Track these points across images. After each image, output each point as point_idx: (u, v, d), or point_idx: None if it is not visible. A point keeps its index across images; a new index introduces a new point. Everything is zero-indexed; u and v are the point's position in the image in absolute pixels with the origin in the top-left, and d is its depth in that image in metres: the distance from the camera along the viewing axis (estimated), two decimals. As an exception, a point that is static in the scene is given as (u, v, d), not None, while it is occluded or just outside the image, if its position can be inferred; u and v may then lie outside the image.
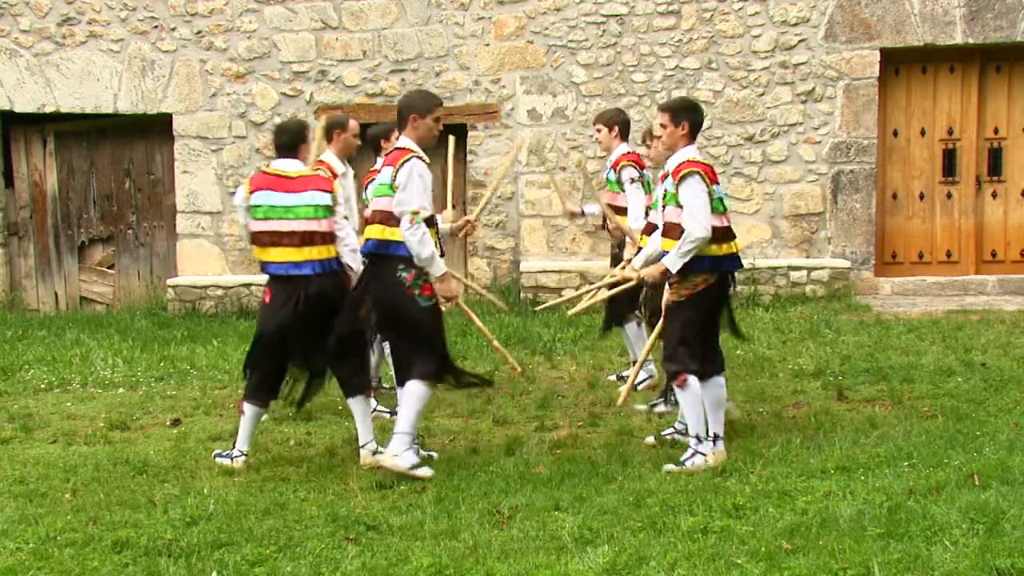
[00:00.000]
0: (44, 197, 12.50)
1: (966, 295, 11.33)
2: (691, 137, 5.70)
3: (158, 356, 9.17)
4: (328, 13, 11.74)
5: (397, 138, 5.90)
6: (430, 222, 5.62)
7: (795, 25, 11.42)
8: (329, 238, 5.87)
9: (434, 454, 6.07)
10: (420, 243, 5.51)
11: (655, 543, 4.39)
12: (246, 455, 6.00)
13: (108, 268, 12.60)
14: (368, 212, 5.89)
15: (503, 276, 11.73)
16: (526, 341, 9.49)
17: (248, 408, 6.00)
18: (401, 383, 5.72)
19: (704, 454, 5.60)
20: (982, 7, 11.24)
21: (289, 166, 5.93)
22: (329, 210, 5.86)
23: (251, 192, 5.86)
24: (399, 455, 5.60)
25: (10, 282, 12.43)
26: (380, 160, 6.68)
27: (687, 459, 5.62)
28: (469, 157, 11.71)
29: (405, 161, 5.57)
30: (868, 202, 11.54)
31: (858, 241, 11.56)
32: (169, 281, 11.87)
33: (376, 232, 5.66)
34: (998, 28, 11.27)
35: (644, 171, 7.33)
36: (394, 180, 5.57)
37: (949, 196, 11.82)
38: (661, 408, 6.90)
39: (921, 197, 11.84)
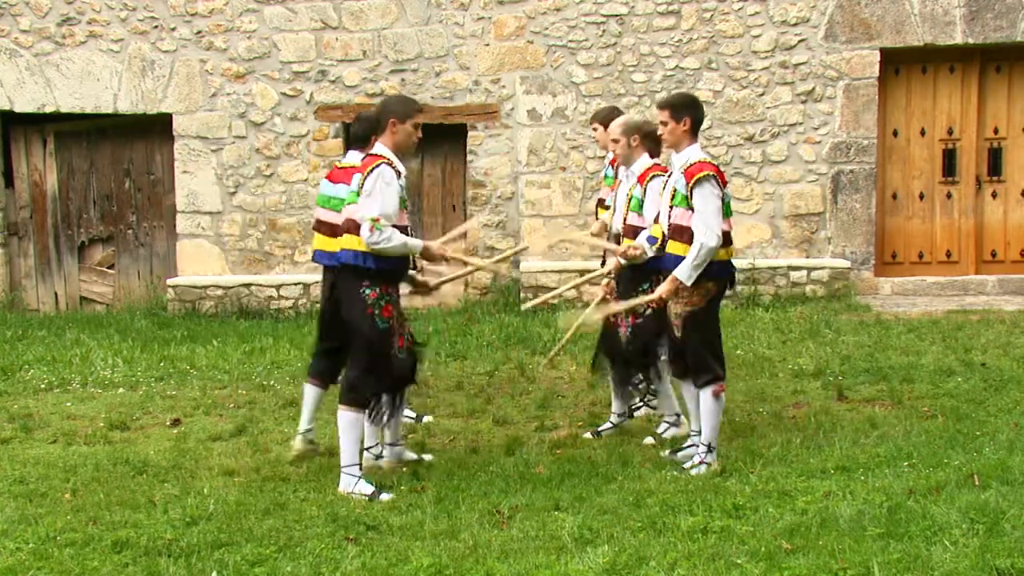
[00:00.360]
0: (44, 197, 12.50)
1: (966, 295, 11.33)
2: (693, 134, 5.62)
3: (158, 356, 9.16)
4: (328, 13, 11.74)
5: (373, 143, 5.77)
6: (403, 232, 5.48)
7: (795, 25, 11.42)
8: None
9: (428, 457, 6.07)
10: (386, 245, 5.35)
11: (655, 543, 4.39)
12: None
13: (108, 268, 12.60)
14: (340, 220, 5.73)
15: (503, 276, 11.73)
16: (526, 341, 9.49)
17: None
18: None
19: (709, 464, 5.56)
20: (982, 7, 11.24)
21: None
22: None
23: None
24: (352, 491, 5.42)
25: (10, 282, 12.43)
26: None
27: (692, 467, 5.59)
28: (469, 157, 11.71)
29: (374, 168, 5.41)
30: (868, 202, 11.54)
31: (858, 241, 11.56)
32: (169, 281, 11.87)
33: (346, 242, 5.51)
34: (998, 28, 11.27)
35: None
36: (361, 187, 5.43)
37: (949, 196, 11.82)
38: (672, 431, 6.46)
39: (921, 197, 11.84)
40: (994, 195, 11.79)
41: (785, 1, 11.40)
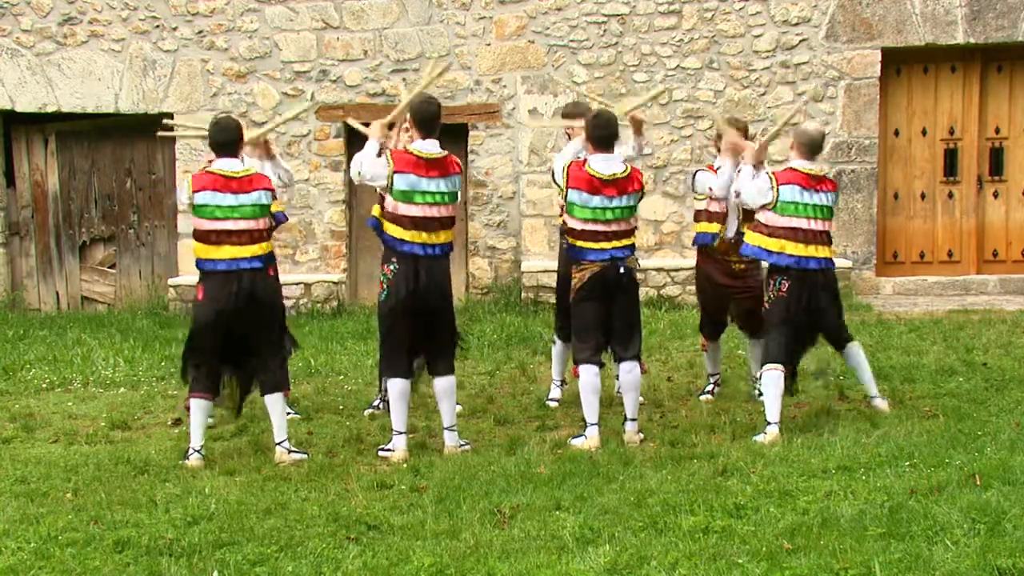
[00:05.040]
0: (45, 197, 12.50)
1: (967, 295, 11.33)
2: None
3: (159, 356, 9.17)
4: (329, 13, 11.74)
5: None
6: None
7: (796, 25, 11.42)
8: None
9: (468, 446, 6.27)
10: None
11: (656, 543, 4.39)
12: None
13: (109, 268, 12.60)
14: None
15: (504, 276, 11.73)
16: (527, 340, 9.49)
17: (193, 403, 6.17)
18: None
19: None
20: (983, 7, 11.24)
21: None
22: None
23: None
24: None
25: (11, 282, 12.44)
26: None
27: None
28: (470, 157, 11.71)
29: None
30: (869, 202, 11.54)
31: (859, 241, 11.56)
32: (170, 281, 11.87)
33: (448, 235, 6.14)
34: (999, 28, 11.26)
35: None
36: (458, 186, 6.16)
37: (950, 196, 11.81)
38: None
39: (922, 197, 11.84)
40: (995, 195, 11.79)
41: (786, 1, 11.39)
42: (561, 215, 6.45)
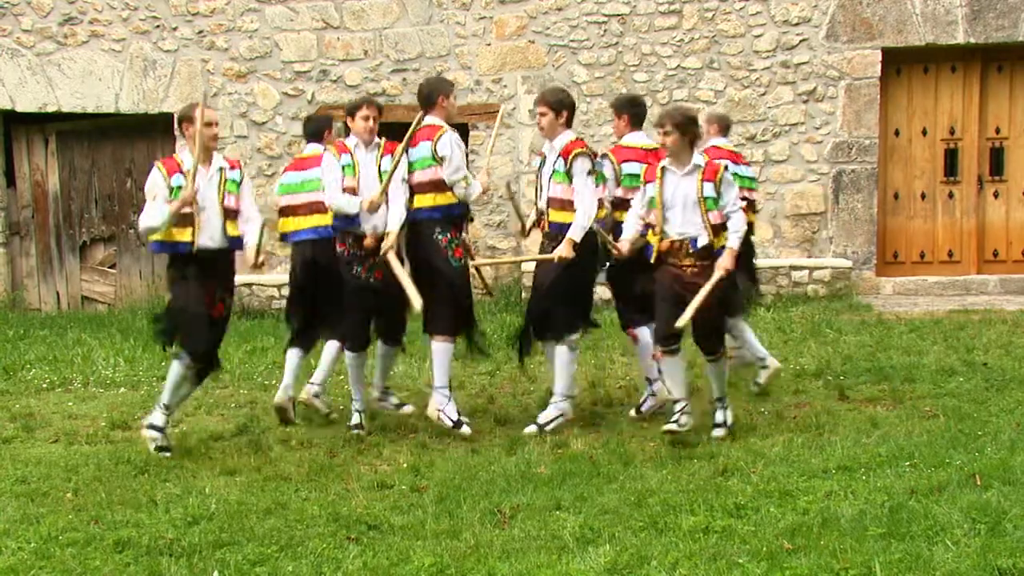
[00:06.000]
0: (46, 197, 12.51)
1: (968, 295, 11.33)
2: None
3: (159, 355, 9.14)
4: (329, 13, 11.74)
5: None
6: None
7: (796, 25, 11.42)
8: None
9: (408, 408, 6.70)
10: (472, 194, 6.74)
11: (656, 543, 4.39)
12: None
13: (109, 268, 12.61)
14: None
15: (504, 276, 11.73)
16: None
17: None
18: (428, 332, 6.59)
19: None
20: (984, 7, 11.24)
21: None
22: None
23: None
24: (443, 409, 6.47)
25: (12, 281, 12.44)
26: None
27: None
28: (471, 157, 11.71)
29: (442, 135, 6.47)
30: (869, 202, 11.54)
31: (859, 241, 11.56)
32: (171, 281, 11.87)
33: (418, 201, 6.48)
34: (1000, 28, 11.26)
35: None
36: (434, 152, 6.45)
37: (951, 196, 11.81)
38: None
39: (923, 197, 11.84)
40: (996, 195, 11.79)
41: (787, 1, 11.39)
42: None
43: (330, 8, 11.74)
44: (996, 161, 11.76)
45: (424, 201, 6.50)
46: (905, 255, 11.88)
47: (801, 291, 11.12)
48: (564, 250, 6.30)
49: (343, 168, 6.40)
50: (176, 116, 6.49)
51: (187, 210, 6.00)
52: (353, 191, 6.37)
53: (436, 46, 11.65)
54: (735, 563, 4.07)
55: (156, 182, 6.07)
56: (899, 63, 11.65)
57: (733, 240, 6.08)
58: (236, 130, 11.87)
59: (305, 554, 4.49)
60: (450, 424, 6.46)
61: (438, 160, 6.46)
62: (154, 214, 6.00)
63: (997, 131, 11.74)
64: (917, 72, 11.74)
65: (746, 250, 7.12)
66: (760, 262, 11.19)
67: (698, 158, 6.18)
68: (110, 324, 10.99)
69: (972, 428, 5.97)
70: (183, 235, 6.04)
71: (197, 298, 6.11)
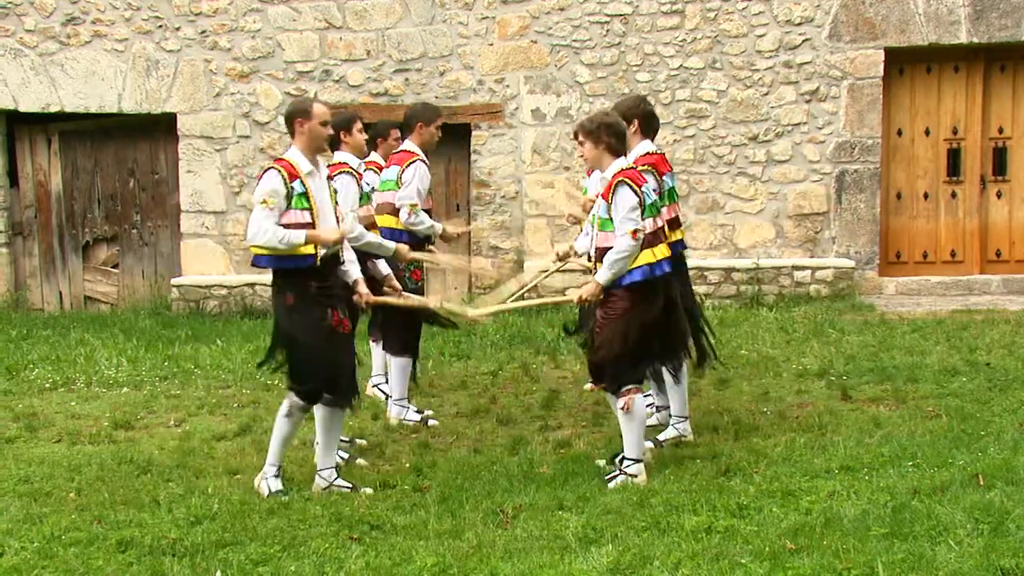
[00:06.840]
0: (48, 197, 12.52)
1: (970, 295, 11.31)
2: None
3: (162, 355, 9.17)
4: (332, 13, 11.74)
5: (398, 139, 7.18)
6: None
7: (799, 25, 11.41)
8: None
9: (360, 461, 6.07)
10: (420, 226, 6.81)
11: (659, 543, 4.39)
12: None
13: (112, 268, 12.62)
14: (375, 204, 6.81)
15: (506, 276, 11.72)
16: (530, 340, 9.49)
17: None
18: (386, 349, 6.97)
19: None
20: (987, 7, 11.22)
21: None
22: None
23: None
24: (403, 417, 6.85)
25: (15, 281, 12.45)
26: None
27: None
28: (473, 157, 11.72)
29: (411, 163, 6.74)
30: (872, 202, 11.53)
31: (862, 241, 11.55)
32: (173, 281, 11.88)
33: (382, 221, 6.72)
34: (1003, 27, 11.25)
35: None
36: (400, 177, 6.75)
37: (953, 196, 11.80)
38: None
39: (925, 197, 11.83)
40: (999, 195, 11.78)
41: (789, 1, 11.39)
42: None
43: (332, 8, 11.74)
44: (999, 161, 11.74)
45: (386, 222, 6.74)
46: (908, 255, 11.87)
47: (804, 291, 11.12)
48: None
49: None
50: (286, 112, 5.58)
51: (307, 219, 5.27)
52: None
53: (438, 46, 11.65)
54: (738, 563, 4.07)
55: (275, 189, 5.22)
56: (902, 63, 11.64)
57: (601, 272, 5.33)
58: (239, 130, 11.87)
59: (308, 554, 4.49)
60: (416, 421, 6.85)
61: (400, 185, 6.77)
62: (281, 235, 5.17)
63: (1000, 131, 11.72)
64: (920, 72, 11.73)
65: (686, 290, 6.04)
66: (763, 262, 11.23)
67: (612, 169, 5.43)
68: (113, 324, 11.00)
69: (975, 428, 5.96)
70: (307, 247, 5.24)
71: (335, 344, 5.34)
